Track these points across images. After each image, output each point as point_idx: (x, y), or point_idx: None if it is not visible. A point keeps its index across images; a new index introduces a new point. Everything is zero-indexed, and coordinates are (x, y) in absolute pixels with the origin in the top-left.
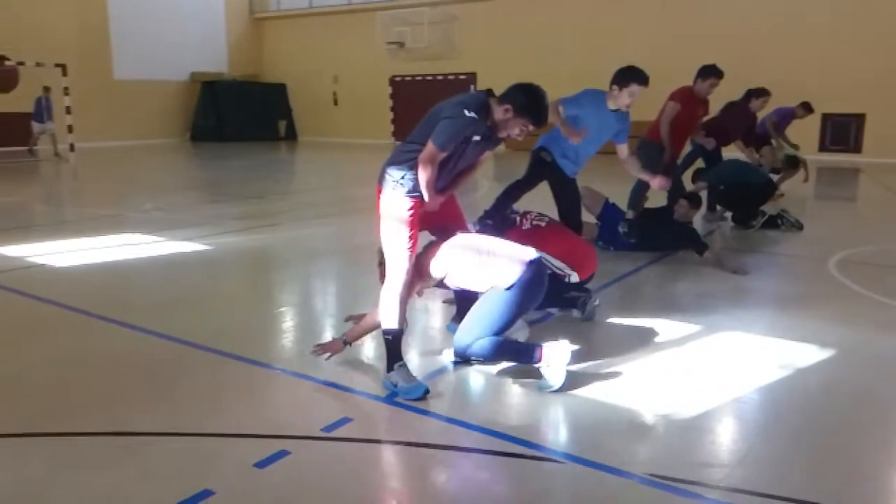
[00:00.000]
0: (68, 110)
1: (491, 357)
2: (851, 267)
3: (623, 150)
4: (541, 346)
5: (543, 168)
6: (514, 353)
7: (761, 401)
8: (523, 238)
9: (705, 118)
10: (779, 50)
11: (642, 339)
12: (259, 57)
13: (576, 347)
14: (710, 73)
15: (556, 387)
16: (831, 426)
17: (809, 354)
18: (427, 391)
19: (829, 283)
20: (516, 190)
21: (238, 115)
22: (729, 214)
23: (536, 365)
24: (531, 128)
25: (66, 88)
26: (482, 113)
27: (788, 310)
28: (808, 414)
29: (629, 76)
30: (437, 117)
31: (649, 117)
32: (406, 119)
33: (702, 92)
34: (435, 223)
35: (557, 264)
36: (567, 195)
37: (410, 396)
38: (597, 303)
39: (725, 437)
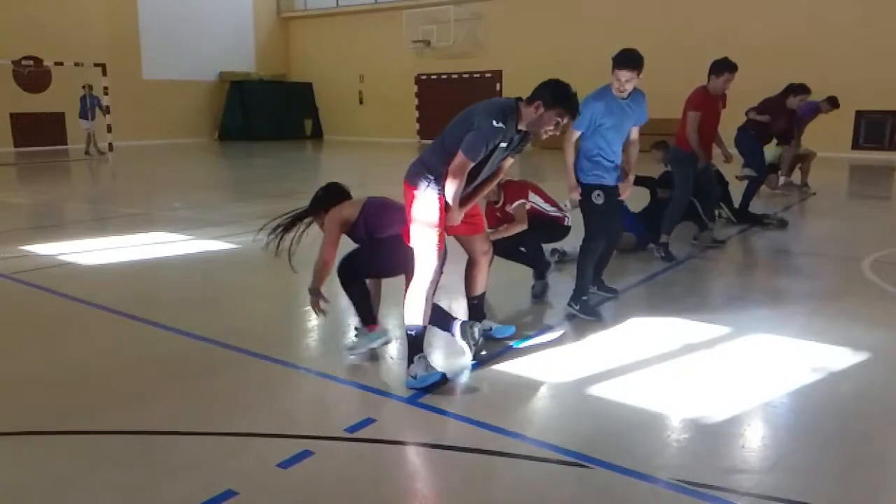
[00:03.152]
0: (108, 109)
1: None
2: (886, 268)
3: (634, 132)
4: (455, 320)
5: (598, 206)
6: (440, 320)
7: (793, 406)
8: (519, 188)
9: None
10: (811, 44)
11: (671, 341)
12: (286, 56)
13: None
14: (724, 67)
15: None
16: (866, 432)
17: (843, 358)
18: (445, 376)
19: (864, 285)
20: (596, 255)
21: (265, 115)
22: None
23: (453, 336)
24: (565, 120)
25: (105, 88)
26: (510, 120)
27: (821, 312)
28: (841, 420)
29: (613, 61)
30: (468, 122)
31: (672, 114)
32: (432, 118)
33: (717, 89)
34: (460, 230)
35: (548, 208)
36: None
37: (427, 382)
38: (585, 298)
39: (756, 443)
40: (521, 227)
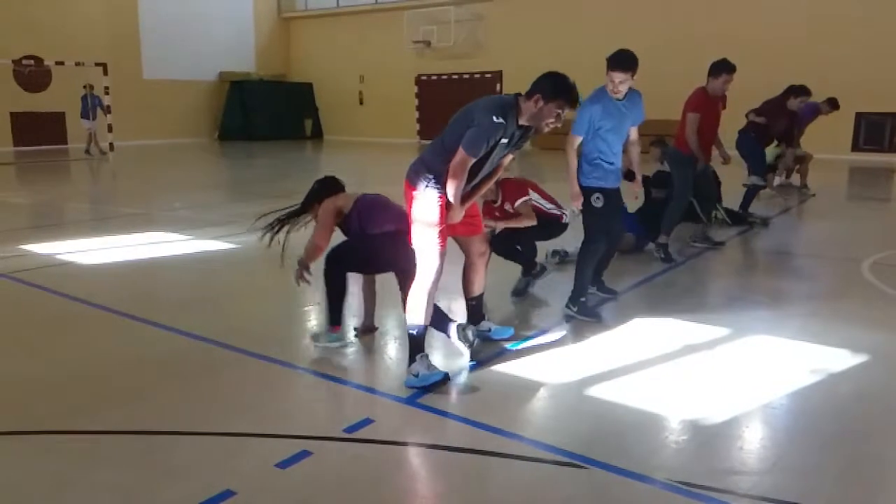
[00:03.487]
0: (109, 109)
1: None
2: (886, 270)
3: (633, 132)
4: (453, 322)
5: (597, 209)
6: (437, 321)
7: (792, 407)
8: (518, 186)
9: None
10: (811, 45)
11: (670, 342)
12: (286, 56)
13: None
14: (722, 69)
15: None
16: (864, 434)
17: (842, 360)
18: (447, 376)
19: (863, 286)
20: (595, 257)
21: (265, 115)
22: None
23: (448, 337)
24: (566, 111)
25: (106, 88)
26: (510, 116)
27: (820, 313)
28: (840, 421)
29: (607, 63)
30: (468, 119)
31: (671, 115)
32: (432, 118)
33: (717, 90)
34: (458, 231)
35: (548, 206)
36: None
37: (428, 381)
38: (583, 300)
39: (754, 444)
40: (530, 222)
